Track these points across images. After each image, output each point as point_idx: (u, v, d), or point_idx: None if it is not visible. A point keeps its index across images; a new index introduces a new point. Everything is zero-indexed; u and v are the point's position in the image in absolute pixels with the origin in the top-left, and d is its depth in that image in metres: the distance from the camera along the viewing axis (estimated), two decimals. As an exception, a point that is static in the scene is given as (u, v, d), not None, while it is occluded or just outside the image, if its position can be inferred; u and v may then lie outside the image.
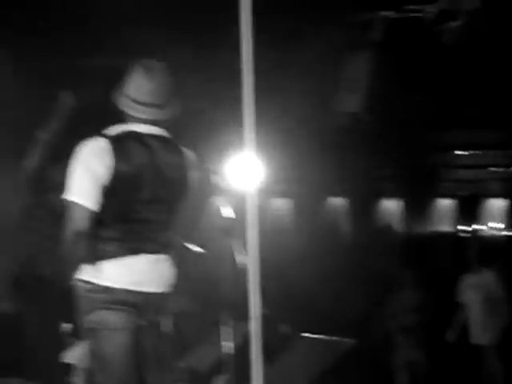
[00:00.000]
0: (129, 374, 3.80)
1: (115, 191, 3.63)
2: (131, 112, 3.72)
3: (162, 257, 3.86)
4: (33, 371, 5.84)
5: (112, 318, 3.67)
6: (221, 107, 7.18)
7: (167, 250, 3.89)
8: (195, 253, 7.05)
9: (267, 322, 6.84)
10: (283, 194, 8.96)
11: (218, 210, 5.30)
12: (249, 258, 3.36)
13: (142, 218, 3.73)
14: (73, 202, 3.59)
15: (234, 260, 5.15)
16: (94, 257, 3.65)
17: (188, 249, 6.98)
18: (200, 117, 8.00)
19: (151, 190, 3.73)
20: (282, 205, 9.01)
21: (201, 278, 8.42)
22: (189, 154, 3.99)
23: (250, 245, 3.17)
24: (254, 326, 3.26)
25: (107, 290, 3.66)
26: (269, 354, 6.07)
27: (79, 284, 3.73)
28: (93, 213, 3.59)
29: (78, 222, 3.56)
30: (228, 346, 6.29)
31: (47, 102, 6.23)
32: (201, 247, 7.10)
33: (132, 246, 3.71)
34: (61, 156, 4.22)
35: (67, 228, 3.60)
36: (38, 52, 7.20)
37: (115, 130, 3.76)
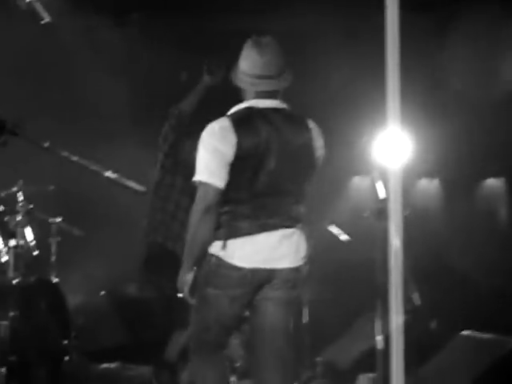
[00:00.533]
0: (224, 344, 3.97)
1: (243, 168, 3.75)
2: (248, 87, 3.87)
3: (292, 231, 3.83)
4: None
5: (225, 298, 3.78)
6: (365, 81, 6.72)
7: (298, 225, 3.85)
8: (336, 236, 6.66)
9: (417, 317, 6.38)
10: (431, 175, 8.29)
11: (372, 190, 5.03)
12: (392, 245, 3.05)
13: (272, 192, 3.79)
14: (201, 182, 3.74)
15: (386, 245, 4.60)
16: (226, 234, 3.75)
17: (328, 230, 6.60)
18: (345, 91, 7.58)
19: (278, 163, 3.77)
20: (429, 186, 8.35)
21: (343, 263, 7.96)
22: (312, 124, 3.98)
23: (393, 230, 2.98)
24: (396, 320, 2.99)
25: (234, 268, 3.74)
26: (420, 351, 5.71)
27: (210, 258, 3.81)
28: (221, 191, 3.72)
29: (207, 200, 3.71)
30: (375, 340, 6.08)
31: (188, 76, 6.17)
32: (344, 232, 6.74)
33: (263, 222, 3.76)
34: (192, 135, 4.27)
35: (196, 206, 3.76)
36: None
37: (237, 108, 3.91)
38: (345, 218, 7.70)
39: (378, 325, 4.43)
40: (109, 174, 2.58)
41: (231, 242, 3.73)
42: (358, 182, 8.43)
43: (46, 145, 2.56)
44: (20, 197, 5.86)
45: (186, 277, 3.82)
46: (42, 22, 6.52)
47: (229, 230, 3.74)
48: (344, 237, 6.67)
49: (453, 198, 7.96)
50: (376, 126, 5.24)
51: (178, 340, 5.39)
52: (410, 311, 4.78)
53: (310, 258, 3.91)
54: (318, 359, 6.92)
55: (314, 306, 8.38)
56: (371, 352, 6.40)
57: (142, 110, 7.51)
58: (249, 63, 3.85)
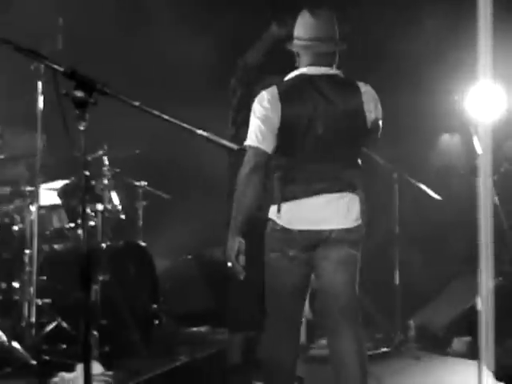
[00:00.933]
0: (297, 313, 4.04)
1: (291, 135, 3.91)
2: (301, 50, 4.03)
3: (342, 195, 3.93)
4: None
5: (285, 260, 3.90)
6: (456, 34, 6.47)
7: (349, 188, 3.93)
8: (427, 196, 6.46)
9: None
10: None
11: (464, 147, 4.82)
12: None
13: (320, 158, 3.91)
14: (250, 146, 3.90)
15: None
16: (278, 198, 3.90)
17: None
18: (435, 46, 7.33)
19: (325, 129, 3.90)
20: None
21: (435, 224, 7.75)
22: (364, 88, 4.03)
23: (484, 188, 2.81)
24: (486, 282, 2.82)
25: (286, 230, 3.89)
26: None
27: (268, 223, 3.99)
28: (269, 155, 3.90)
29: (253, 163, 3.87)
30: (469, 303, 5.96)
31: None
32: (435, 191, 6.54)
33: (311, 186, 3.89)
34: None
35: (243, 169, 3.90)
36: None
37: (289, 76, 4.07)
38: (436, 176, 7.48)
39: (475, 286, 4.20)
40: (201, 132, 2.50)
41: (283, 206, 3.89)
42: (448, 139, 8.16)
43: (137, 103, 2.48)
44: (106, 161, 5.90)
45: (234, 242, 3.86)
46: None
47: (280, 195, 3.91)
48: (435, 196, 6.46)
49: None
50: (467, 82, 5.06)
51: (239, 342, 5.33)
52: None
53: (366, 221, 3.96)
54: (411, 322, 6.78)
55: (404, 268, 8.25)
56: (465, 315, 6.28)
57: (228, 68, 7.42)
58: (303, 27, 4.03)
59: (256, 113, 3.94)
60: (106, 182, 5.76)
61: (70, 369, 4.35)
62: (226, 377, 4.98)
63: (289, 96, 3.93)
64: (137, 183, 6.46)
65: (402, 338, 6.59)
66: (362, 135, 3.99)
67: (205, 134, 2.51)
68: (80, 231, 5.53)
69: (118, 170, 5.95)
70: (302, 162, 3.90)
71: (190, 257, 7.02)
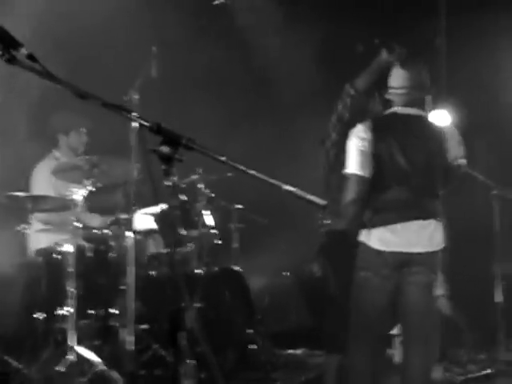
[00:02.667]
0: (381, 332, 4.45)
1: (380, 165, 4.30)
2: (394, 97, 4.50)
3: (428, 222, 4.31)
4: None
5: (375, 279, 4.27)
6: None
7: (433, 217, 4.33)
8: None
9: None
10: None
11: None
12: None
13: (406, 187, 4.30)
14: (349, 173, 4.31)
15: None
16: (370, 223, 4.30)
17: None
18: None
19: (409, 161, 4.31)
20: None
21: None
22: (447, 129, 4.53)
23: None
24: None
25: (377, 252, 4.25)
26: None
27: (359, 245, 4.37)
28: (367, 181, 4.28)
29: (359, 191, 4.28)
30: None
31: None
32: None
33: (403, 213, 4.28)
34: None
35: (346, 195, 4.31)
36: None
37: (383, 114, 4.60)
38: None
39: None
40: (288, 187, 2.45)
41: (374, 230, 4.28)
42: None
43: (223, 158, 2.46)
44: (200, 185, 5.91)
45: None
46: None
47: (372, 220, 4.30)
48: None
49: None
50: None
51: (336, 365, 5.23)
52: None
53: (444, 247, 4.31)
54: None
55: (509, 283, 7.99)
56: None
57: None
58: (396, 79, 4.52)
59: (354, 143, 4.33)
60: (201, 206, 5.78)
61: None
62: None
63: (379, 129, 4.36)
64: (232, 206, 6.47)
65: (507, 359, 6.41)
66: (440, 169, 4.39)
67: (292, 189, 2.45)
68: (176, 257, 5.66)
69: (213, 195, 5.97)
70: (390, 191, 4.31)
71: (287, 273, 7.00)
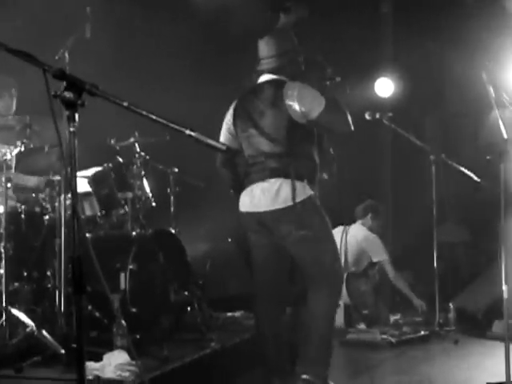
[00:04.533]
0: (273, 285, 4.65)
1: (238, 131, 4.66)
2: (261, 67, 4.68)
3: (275, 181, 4.44)
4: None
5: (253, 236, 4.64)
6: None
7: (281, 175, 4.43)
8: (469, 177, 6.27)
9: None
10: None
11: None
12: None
13: (258, 149, 4.54)
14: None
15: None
16: (235, 186, 4.73)
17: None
18: None
19: (257, 124, 4.54)
20: None
21: (479, 205, 7.58)
22: (289, 84, 4.50)
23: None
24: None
25: (241, 214, 4.63)
26: None
27: None
28: (231, 150, 4.63)
29: (219, 158, 4.76)
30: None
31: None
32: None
33: (253, 176, 4.54)
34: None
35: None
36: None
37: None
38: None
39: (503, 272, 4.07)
40: (189, 132, 2.45)
41: (241, 195, 4.62)
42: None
43: (126, 103, 2.44)
44: (137, 148, 5.89)
45: None
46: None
47: (236, 184, 4.71)
48: (475, 178, 6.28)
49: None
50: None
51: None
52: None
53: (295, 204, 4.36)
54: (450, 305, 6.67)
55: (450, 250, 8.12)
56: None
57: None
58: (260, 49, 4.64)
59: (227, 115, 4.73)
60: (136, 169, 5.76)
61: (99, 358, 4.36)
62: (257, 363, 4.95)
63: (239, 99, 4.69)
64: (168, 169, 6.46)
65: (442, 322, 6.54)
66: (287, 129, 4.44)
67: (192, 133, 2.46)
68: (111, 219, 5.62)
69: (148, 157, 5.95)
70: (244, 158, 4.60)
71: (230, 240, 7.01)
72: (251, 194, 4.54)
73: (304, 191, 4.42)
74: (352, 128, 4.40)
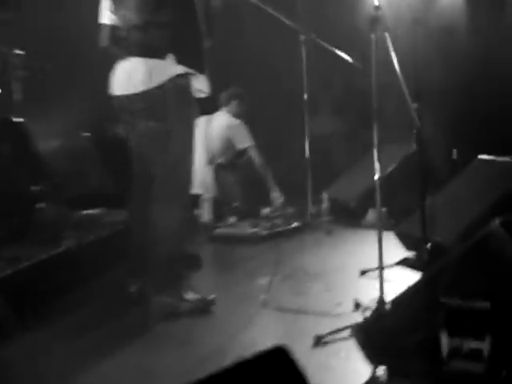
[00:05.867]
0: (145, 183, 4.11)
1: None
2: None
3: (132, 60, 3.97)
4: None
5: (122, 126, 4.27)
6: None
7: (140, 54, 3.94)
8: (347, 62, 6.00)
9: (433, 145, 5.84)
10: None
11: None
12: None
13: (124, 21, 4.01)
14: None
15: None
16: None
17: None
18: None
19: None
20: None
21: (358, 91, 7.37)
22: None
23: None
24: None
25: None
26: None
27: None
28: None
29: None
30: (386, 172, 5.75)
31: None
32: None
33: (120, 53, 4.04)
34: None
35: None
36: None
37: None
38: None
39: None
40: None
41: None
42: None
43: None
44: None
45: None
46: None
47: None
48: (349, 60, 6.00)
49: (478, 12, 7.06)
50: None
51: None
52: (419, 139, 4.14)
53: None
54: (323, 195, 6.51)
55: (324, 139, 7.93)
56: (380, 185, 5.98)
57: None
58: None
59: None
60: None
61: None
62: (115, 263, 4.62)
63: None
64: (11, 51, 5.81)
65: (315, 212, 6.40)
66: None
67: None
68: None
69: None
70: None
71: (86, 134, 6.53)
72: (114, 74, 4.08)
73: (164, 72, 3.88)
74: None
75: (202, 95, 4.17)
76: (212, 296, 4.07)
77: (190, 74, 3.99)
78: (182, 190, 4.04)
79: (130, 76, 3.96)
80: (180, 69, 3.91)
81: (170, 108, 3.90)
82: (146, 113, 3.93)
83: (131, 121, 4.06)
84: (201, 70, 4.05)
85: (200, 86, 4.10)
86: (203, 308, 3.99)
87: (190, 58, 3.97)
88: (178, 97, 3.93)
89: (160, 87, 3.86)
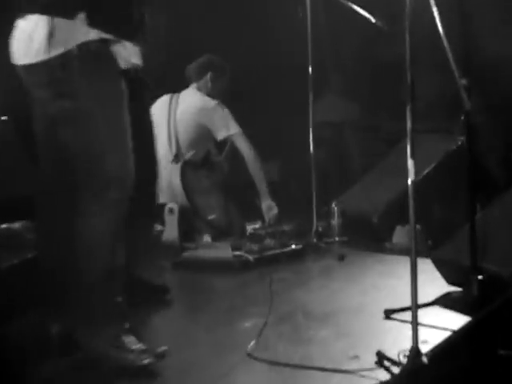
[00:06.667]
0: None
1: None
2: None
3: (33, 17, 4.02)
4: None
5: None
6: None
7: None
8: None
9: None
10: None
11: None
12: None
13: None
14: None
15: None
16: None
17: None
18: None
19: None
20: None
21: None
22: None
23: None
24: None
25: None
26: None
27: None
28: None
29: None
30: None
31: None
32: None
33: None
34: None
35: None
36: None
37: None
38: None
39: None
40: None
41: None
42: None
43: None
44: None
45: None
46: None
47: None
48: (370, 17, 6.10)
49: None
50: None
51: None
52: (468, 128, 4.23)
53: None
54: (333, 207, 6.62)
55: (334, 129, 8.06)
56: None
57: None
58: None
59: None
60: None
61: None
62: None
63: None
64: None
65: (321, 230, 6.52)
66: None
67: None
68: None
69: None
70: None
71: (4, 118, 6.59)
72: (13, 36, 4.11)
73: (71, 36, 3.90)
74: None
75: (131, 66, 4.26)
76: (162, 348, 4.02)
77: (112, 40, 4.04)
78: (116, 189, 4.03)
79: (29, 40, 3.98)
80: (94, 34, 3.94)
81: (81, 83, 3.94)
82: (51, 89, 4.00)
83: (43, 97, 4.09)
84: (128, 37, 4.11)
85: (129, 56, 4.17)
86: (148, 363, 3.92)
87: (110, 19, 4.03)
88: (90, 69, 3.97)
89: (64, 55, 3.90)
